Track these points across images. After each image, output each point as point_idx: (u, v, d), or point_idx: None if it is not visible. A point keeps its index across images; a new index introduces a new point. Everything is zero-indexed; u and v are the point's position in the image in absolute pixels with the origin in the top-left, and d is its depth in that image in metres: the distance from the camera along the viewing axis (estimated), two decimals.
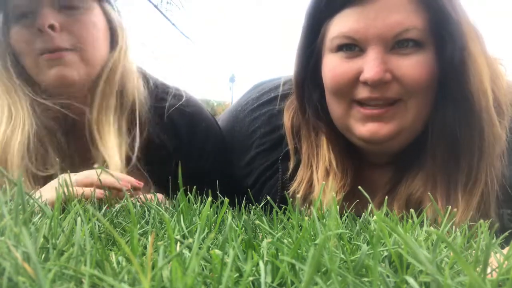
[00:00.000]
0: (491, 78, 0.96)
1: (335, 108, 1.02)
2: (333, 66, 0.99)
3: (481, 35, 0.98)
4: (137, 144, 1.17)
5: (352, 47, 0.96)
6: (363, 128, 0.97)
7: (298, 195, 1.05)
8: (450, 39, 0.92)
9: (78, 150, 1.20)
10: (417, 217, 0.69)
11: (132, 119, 1.19)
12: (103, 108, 1.17)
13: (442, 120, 0.96)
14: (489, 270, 0.49)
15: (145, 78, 1.27)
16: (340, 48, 0.98)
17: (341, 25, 0.97)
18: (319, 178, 1.06)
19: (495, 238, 0.70)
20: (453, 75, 0.93)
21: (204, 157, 1.25)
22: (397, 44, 0.93)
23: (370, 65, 0.93)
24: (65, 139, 1.18)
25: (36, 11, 1.10)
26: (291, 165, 1.13)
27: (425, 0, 0.93)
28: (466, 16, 0.96)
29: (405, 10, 0.92)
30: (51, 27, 1.09)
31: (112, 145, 1.14)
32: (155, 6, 7.00)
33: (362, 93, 0.96)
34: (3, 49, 1.15)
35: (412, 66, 0.93)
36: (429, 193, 0.93)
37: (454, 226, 0.72)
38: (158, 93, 1.26)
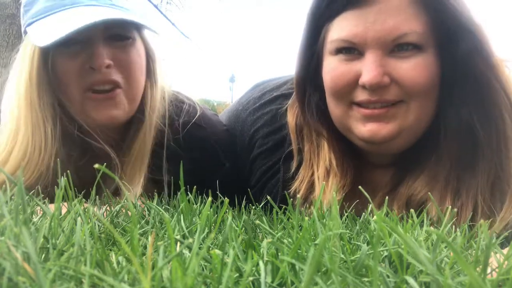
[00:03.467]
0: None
1: (334, 109, 1.02)
2: (332, 68, 0.99)
3: (487, 35, 0.97)
4: (165, 173, 1.14)
5: (351, 50, 0.96)
6: (364, 128, 0.97)
7: (299, 195, 1.05)
8: (458, 40, 0.91)
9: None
10: (417, 217, 0.69)
11: (153, 143, 1.17)
12: (139, 151, 1.14)
13: (457, 122, 0.95)
14: (489, 270, 0.49)
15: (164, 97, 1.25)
16: (339, 51, 0.98)
17: (341, 28, 0.96)
18: (319, 177, 1.06)
19: (494, 238, 0.70)
20: (463, 75, 0.92)
21: (216, 172, 1.24)
22: (397, 47, 0.93)
23: (367, 69, 0.92)
24: (85, 165, 1.13)
25: (85, 41, 1.05)
26: (294, 164, 1.12)
27: (426, 3, 0.92)
28: (471, 17, 0.95)
29: (405, 14, 0.92)
30: (108, 67, 1.06)
31: (137, 177, 1.12)
32: (155, 6, 7.00)
33: (361, 96, 0.96)
34: (43, 79, 1.08)
35: (411, 68, 0.93)
36: (429, 193, 0.92)
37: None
38: (172, 110, 1.23)
